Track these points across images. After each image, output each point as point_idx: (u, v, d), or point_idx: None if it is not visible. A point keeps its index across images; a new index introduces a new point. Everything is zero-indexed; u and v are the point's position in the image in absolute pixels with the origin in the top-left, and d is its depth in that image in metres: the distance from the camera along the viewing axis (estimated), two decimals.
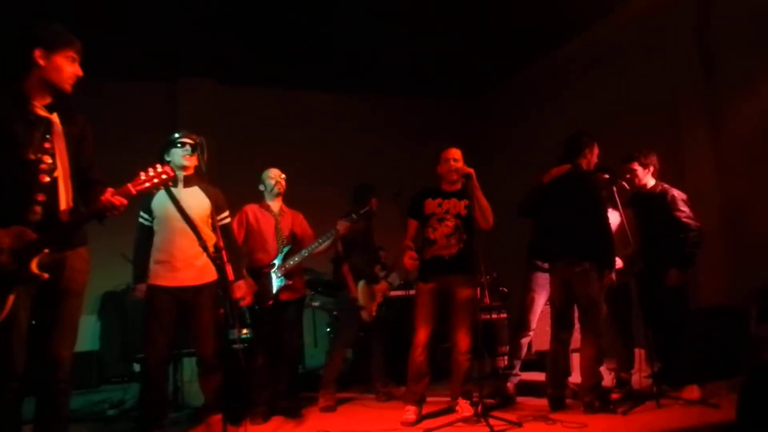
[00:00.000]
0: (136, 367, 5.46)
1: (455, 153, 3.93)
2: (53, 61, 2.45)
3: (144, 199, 3.48)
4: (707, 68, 5.25)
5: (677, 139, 5.41)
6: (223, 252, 3.38)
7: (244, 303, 3.75)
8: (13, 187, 2.40)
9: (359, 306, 4.56)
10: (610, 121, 5.87)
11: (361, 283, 4.64)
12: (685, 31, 5.36)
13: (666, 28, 5.57)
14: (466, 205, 3.82)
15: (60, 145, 2.49)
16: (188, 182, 3.57)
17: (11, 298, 2.33)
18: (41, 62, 2.43)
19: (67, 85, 2.51)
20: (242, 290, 3.63)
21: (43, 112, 2.49)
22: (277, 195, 4.27)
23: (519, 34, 6.36)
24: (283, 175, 4.31)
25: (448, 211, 3.84)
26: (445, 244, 3.80)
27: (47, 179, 2.44)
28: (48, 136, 2.47)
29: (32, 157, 2.42)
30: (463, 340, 3.73)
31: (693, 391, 3.84)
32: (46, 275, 2.38)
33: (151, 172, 2.53)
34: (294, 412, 4.02)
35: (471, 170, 3.75)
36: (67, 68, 2.48)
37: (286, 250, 4.14)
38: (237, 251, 3.81)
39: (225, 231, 3.54)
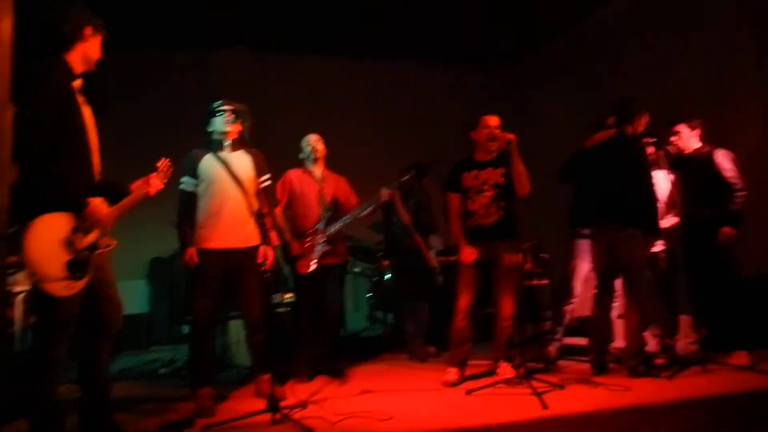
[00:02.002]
0: (184, 329, 5.67)
1: (495, 120, 3.87)
2: (95, 40, 2.64)
3: (187, 164, 3.53)
4: (757, 27, 5.01)
5: (724, 103, 5.21)
6: (267, 218, 3.47)
7: (266, 266, 3.57)
8: (84, 157, 2.56)
9: (438, 272, 4.79)
10: (652, 85, 5.68)
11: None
12: None
13: None
14: (502, 173, 3.79)
15: (90, 122, 2.64)
16: (233, 147, 3.60)
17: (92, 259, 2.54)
18: (89, 39, 2.61)
19: (94, 65, 2.69)
20: (267, 258, 3.52)
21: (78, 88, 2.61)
22: (315, 160, 4.30)
23: None
24: (320, 140, 4.33)
25: (486, 181, 3.82)
26: (485, 213, 3.79)
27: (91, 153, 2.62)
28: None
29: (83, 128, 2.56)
30: (506, 306, 3.75)
31: (741, 357, 3.78)
32: (114, 242, 2.62)
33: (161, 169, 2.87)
34: (337, 373, 4.12)
35: (512, 136, 3.69)
36: (98, 50, 2.68)
37: (328, 215, 4.19)
38: (273, 216, 3.86)
39: (265, 194, 3.61)
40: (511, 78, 8.19)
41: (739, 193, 3.98)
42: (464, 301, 3.78)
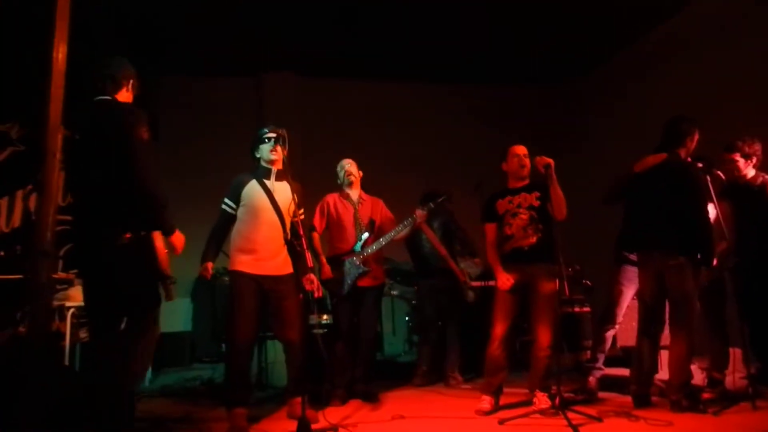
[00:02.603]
0: (225, 348, 5.77)
1: (523, 149, 3.89)
2: (132, 92, 2.94)
3: (233, 188, 3.62)
4: None
5: None
6: (303, 240, 3.52)
7: (316, 295, 3.69)
8: None
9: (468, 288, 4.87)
10: (705, 106, 5.51)
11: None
12: None
13: None
14: (537, 197, 3.77)
15: None
16: (279, 176, 3.66)
17: None
18: (131, 89, 2.91)
19: None
20: (313, 283, 3.56)
21: None
22: (350, 184, 4.35)
23: (607, 16, 6.10)
24: (353, 164, 4.39)
25: (520, 205, 3.80)
26: (523, 235, 3.75)
27: None
28: None
29: None
30: (544, 335, 3.66)
31: None
32: None
33: None
34: (371, 396, 4.10)
35: (551, 161, 3.65)
36: (131, 100, 2.96)
37: (364, 237, 4.22)
38: (309, 244, 3.96)
39: (297, 227, 3.59)
40: (563, 97, 8.12)
41: None
42: (500, 328, 3.71)
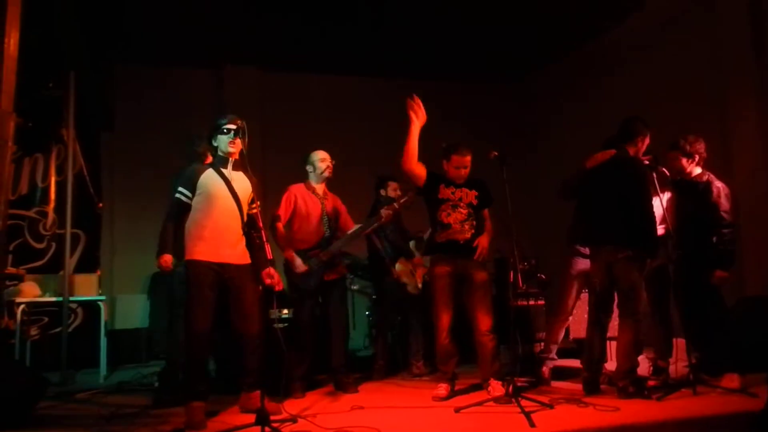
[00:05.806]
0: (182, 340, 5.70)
1: (466, 161, 4.00)
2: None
3: (187, 176, 3.53)
4: (758, 50, 5.08)
5: (725, 124, 5.26)
6: (263, 232, 3.52)
7: (276, 289, 3.66)
8: None
9: (401, 283, 4.88)
10: (656, 104, 5.75)
11: (398, 263, 4.91)
12: (737, 11, 5.20)
13: (717, 8, 5.41)
14: (476, 196, 4.00)
15: None
16: (235, 166, 3.60)
17: None
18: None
19: None
20: (273, 277, 3.56)
21: None
22: (326, 179, 4.35)
23: (564, 17, 6.27)
24: (333, 160, 4.38)
25: (461, 199, 3.98)
26: (459, 229, 3.93)
27: None
28: None
29: None
30: (483, 321, 3.85)
31: (732, 380, 3.77)
32: None
33: None
34: (349, 388, 4.17)
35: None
36: None
37: (328, 234, 4.26)
38: (271, 235, 4.01)
39: (255, 219, 3.60)
40: (519, 94, 8.29)
41: (725, 230, 3.98)
42: (445, 318, 3.87)
